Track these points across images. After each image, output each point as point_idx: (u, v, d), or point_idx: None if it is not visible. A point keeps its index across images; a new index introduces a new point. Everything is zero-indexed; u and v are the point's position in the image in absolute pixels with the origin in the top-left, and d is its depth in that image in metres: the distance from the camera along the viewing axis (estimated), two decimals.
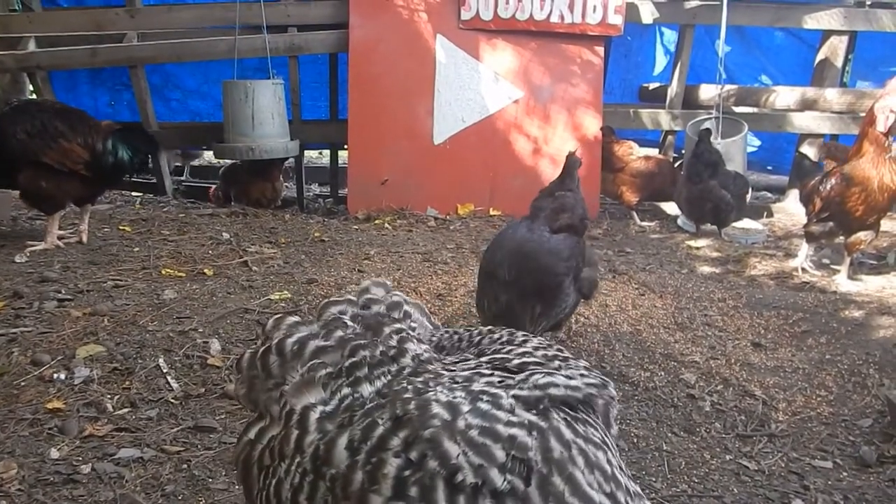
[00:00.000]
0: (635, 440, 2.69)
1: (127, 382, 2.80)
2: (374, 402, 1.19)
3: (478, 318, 3.29)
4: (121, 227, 5.01)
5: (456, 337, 1.51)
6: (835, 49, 7.19)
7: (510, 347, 1.40)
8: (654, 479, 2.44)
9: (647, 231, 6.23)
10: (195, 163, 9.94)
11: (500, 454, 1.03)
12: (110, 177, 4.61)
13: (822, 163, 5.18)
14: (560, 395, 1.17)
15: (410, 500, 1.00)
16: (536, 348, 1.38)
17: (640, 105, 7.98)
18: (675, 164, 6.89)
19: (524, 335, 1.47)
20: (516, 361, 1.31)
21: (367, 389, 1.24)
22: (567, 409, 1.18)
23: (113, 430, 2.50)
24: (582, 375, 1.25)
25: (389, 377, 1.26)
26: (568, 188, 3.19)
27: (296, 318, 1.43)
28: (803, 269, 4.94)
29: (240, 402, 1.42)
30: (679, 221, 6.51)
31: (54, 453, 2.34)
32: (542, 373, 1.20)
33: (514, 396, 1.14)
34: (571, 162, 3.26)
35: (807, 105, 7.09)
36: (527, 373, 1.22)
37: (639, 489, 1.17)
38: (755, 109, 7.46)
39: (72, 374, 2.80)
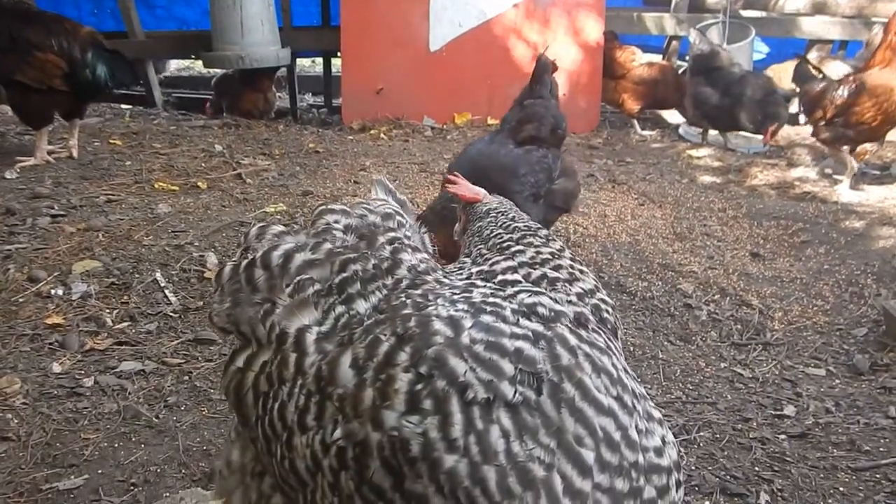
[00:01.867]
0: (632, 349, 2.72)
1: (125, 297, 2.80)
2: (373, 318, 1.15)
3: None
4: (111, 141, 4.89)
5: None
6: None
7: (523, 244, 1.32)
8: (649, 387, 2.49)
9: (648, 140, 6.10)
10: (184, 73, 9.64)
11: (508, 367, 1.01)
12: (87, 91, 4.41)
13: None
14: (548, 315, 1.13)
15: (425, 414, 0.98)
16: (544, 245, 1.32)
17: (644, 9, 7.64)
18: (680, 71, 6.67)
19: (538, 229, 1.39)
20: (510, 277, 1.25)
21: (362, 306, 1.20)
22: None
23: (113, 344, 2.52)
24: (570, 303, 1.18)
25: (385, 291, 1.21)
26: (538, 95, 2.97)
27: (280, 228, 1.37)
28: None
29: (213, 321, 1.35)
30: (681, 130, 6.38)
31: (56, 367, 2.36)
32: (528, 292, 1.16)
33: (512, 310, 1.11)
34: (541, 65, 3.01)
35: (816, 9, 6.80)
36: (515, 289, 1.17)
37: (644, 391, 1.17)
38: (763, 14, 7.15)
39: (69, 289, 2.79)
